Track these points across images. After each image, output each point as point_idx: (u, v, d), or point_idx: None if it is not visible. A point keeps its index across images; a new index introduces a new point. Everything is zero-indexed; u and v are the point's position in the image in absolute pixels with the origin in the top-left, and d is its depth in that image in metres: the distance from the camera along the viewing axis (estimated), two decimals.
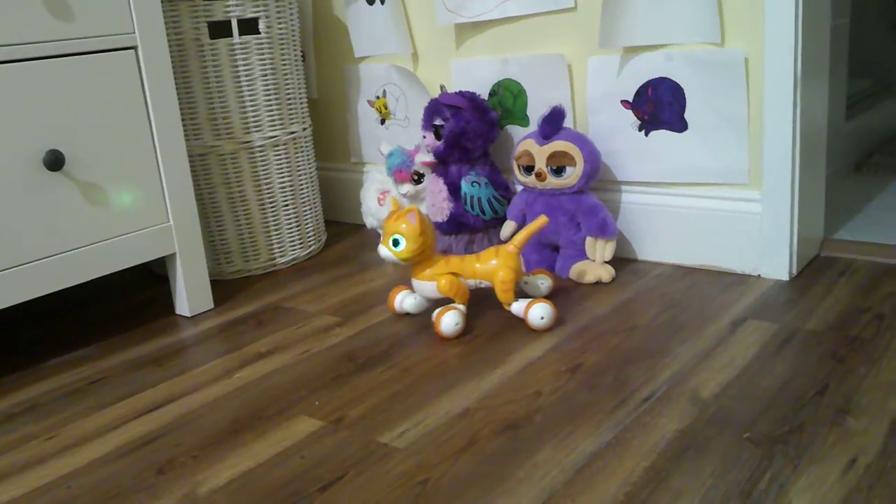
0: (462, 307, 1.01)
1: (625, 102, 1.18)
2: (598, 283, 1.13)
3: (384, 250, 1.00)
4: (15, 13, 0.92)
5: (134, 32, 1.03)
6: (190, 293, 1.14)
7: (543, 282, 1.10)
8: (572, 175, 1.13)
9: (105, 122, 1.02)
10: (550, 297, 1.09)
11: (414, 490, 0.69)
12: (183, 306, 1.15)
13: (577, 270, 1.15)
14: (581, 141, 1.14)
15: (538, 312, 0.99)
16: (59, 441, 0.83)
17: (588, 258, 1.15)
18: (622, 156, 1.20)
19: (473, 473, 0.70)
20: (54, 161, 0.96)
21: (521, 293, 1.08)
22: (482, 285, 1.02)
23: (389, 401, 0.85)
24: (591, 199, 1.15)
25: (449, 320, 0.98)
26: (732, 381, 0.82)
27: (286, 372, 0.95)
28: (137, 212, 1.07)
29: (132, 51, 1.04)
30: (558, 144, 1.14)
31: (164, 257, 1.13)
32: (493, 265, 1.01)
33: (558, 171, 1.13)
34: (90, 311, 1.22)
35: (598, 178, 1.18)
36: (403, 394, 0.86)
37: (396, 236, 0.99)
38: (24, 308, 1.24)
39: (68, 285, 1.01)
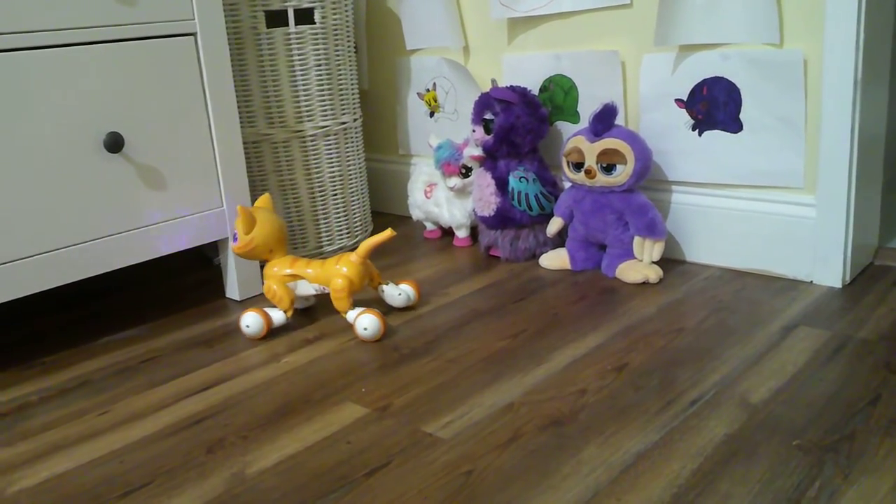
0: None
1: (679, 101, 1.17)
2: (644, 284, 1.12)
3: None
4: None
5: (194, 19, 1.05)
6: (240, 277, 1.16)
7: (401, 292, 1.09)
8: (622, 173, 1.12)
9: (163, 106, 1.04)
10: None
11: (458, 481, 0.69)
12: (233, 290, 1.18)
13: (623, 270, 1.14)
14: (632, 139, 1.14)
15: (361, 323, 0.99)
16: (112, 417, 0.85)
17: (635, 258, 1.14)
18: (674, 155, 1.19)
19: (518, 467, 0.70)
20: (114, 143, 0.98)
21: (379, 301, 1.10)
22: (325, 291, 1.04)
23: (434, 391, 0.86)
24: (640, 198, 1.14)
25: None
26: (782, 387, 0.81)
27: (333, 358, 0.96)
28: (193, 196, 1.09)
29: (192, 37, 1.06)
30: (609, 142, 1.13)
31: (216, 241, 1.15)
32: (330, 271, 1.02)
33: (608, 169, 1.13)
34: (142, 291, 1.25)
35: (648, 177, 1.17)
36: (448, 385, 0.87)
37: (233, 231, 1.03)
38: (77, 286, 1.27)
39: (123, 265, 1.03)
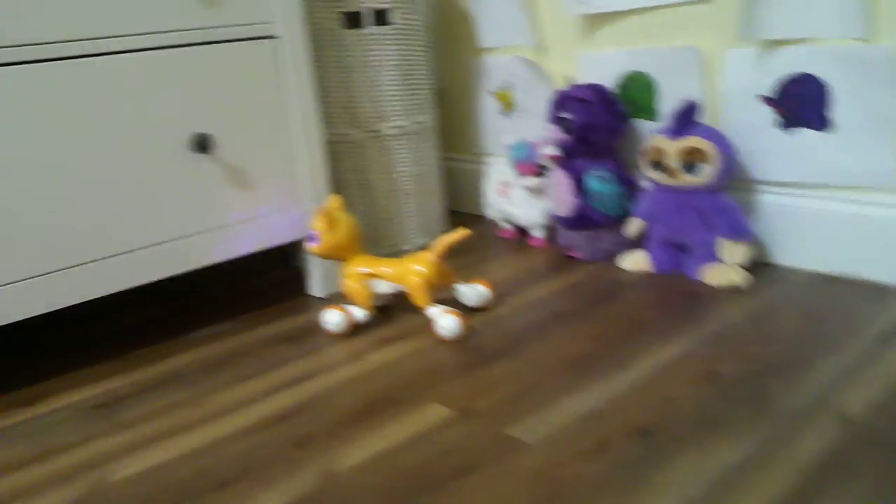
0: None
1: (764, 98, 1.14)
2: (731, 288, 1.10)
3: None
4: (168, 3, 0.97)
5: (275, 22, 1.07)
6: (322, 274, 1.18)
7: (475, 292, 1.09)
8: (706, 172, 1.10)
9: (246, 108, 1.06)
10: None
11: (546, 487, 0.69)
12: (315, 287, 1.20)
13: (708, 273, 1.12)
14: (716, 137, 1.11)
15: (442, 322, 1.00)
16: (204, 410, 0.88)
17: (720, 260, 1.12)
18: (759, 154, 1.16)
19: (607, 476, 0.70)
20: (200, 144, 1.01)
21: (453, 300, 1.09)
22: (401, 289, 1.05)
23: (518, 394, 0.85)
24: (724, 199, 1.11)
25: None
26: (883, 399, 0.78)
27: (415, 358, 0.97)
28: (274, 196, 1.11)
29: (273, 40, 1.08)
30: (691, 140, 1.11)
31: (295, 241, 1.17)
32: (407, 270, 1.03)
33: (690, 168, 1.11)
34: (226, 288, 1.28)
35: (733, 176, 1.14)
36: (531, 388, 0.86)
37: (312, 231, 1.03)
38: (165, 282, 1.31)
39: (207, 264, 1.06)
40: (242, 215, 1.08)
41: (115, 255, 0.97)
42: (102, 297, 0.98)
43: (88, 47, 0.92)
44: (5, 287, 0.89)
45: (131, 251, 0.98)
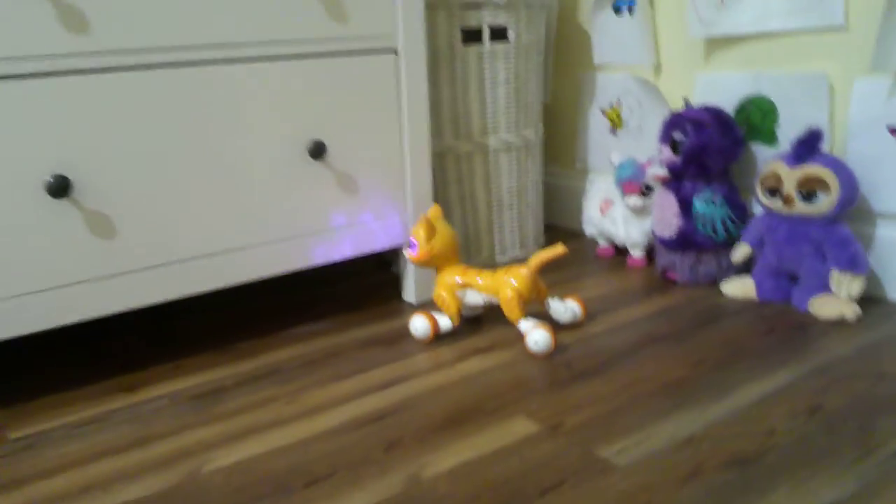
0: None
1: (893, 130, 1.08)
2: (840, 321, 1.04)
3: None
4: (299, 14, 1.01)
5: (397, 36, 1.10)
6: (419, 282, 1.20)
7: (567, 308, 1.07)
8: (825, 202, 1.05)
9: (362, 117, 1.09)
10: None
11: None
12: (410, 293, 1.21)
13: (817, 304, 1.06)
14: (838, 166, 1.06)
15: (533, 337, 0.99)
16: (298, 406, 0.90)
17: (831, 292, 1.06)
18: (884, 186, 1.10)
19: None
20: (318, 150, 1.04)
21: (545, 316, 1.10)
22: (493, 301, 1.04)
23: (609, 415, 0.84)
24: (843, 230, 1.06)
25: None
26: None
27: (504, 370, 0.96)
28: (380, 203, 1.14)
29: (394, 53, 1.10)
30: (812, 168, 1.06)
31: (396, 248, 1.19)
32: (500, 282, 1.03)
33: (808, 197, 1.06)
34: (326, 289, 1.32)
35: (852, 207, 1.08)
36: (623, 410, 0.85)
37: (411, 239, 1.05)
38: (269, 280, 1.36)
39: (313, 265, 1.09)
40: (348, 220, 1.11)
41: (229, 252, 1.01)
42: (213, 292, 1.02)
43: (223, 53, 0.97)
44: (125, 276, 0.94)
45: (243, 248, 1.03)
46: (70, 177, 0.89)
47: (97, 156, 0.90)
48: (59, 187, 0.87)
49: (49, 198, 0.88)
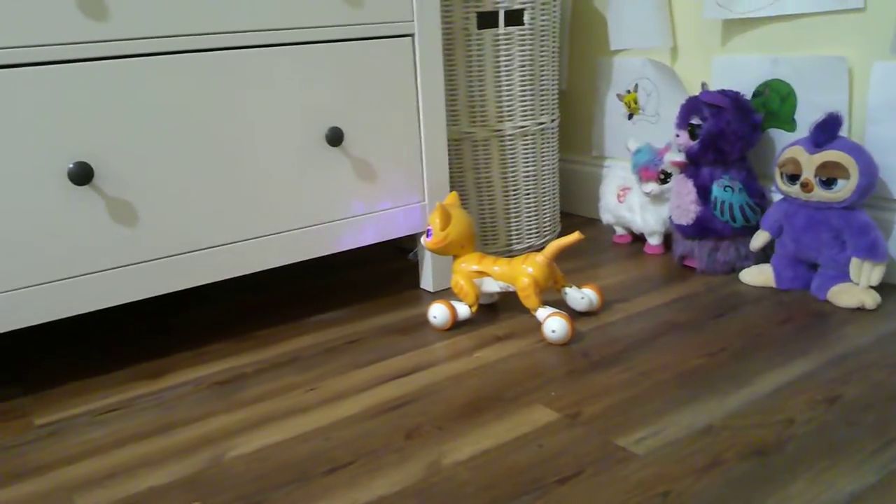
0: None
1: None
2: (860, 309, 1.04)
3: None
4: (317, 0, 1.01)
5: (413, 21, 1.09)
6: (435, 269, 1.20)
7: (584, 296, 1.07)
8: (844, 188, 1.04)
9: (378, 104, 1.09)
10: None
11: (654, 502, 0.68)
12: (427, 281, 1.22)
13: (837, 292, 1.06)
14: (857, 152, 1.05)
15: (550, 325, 0.99)
16: (319, 394, 0.91)
17: (851, 281, 1.06)
18: None
19: (718, 495, 0.68)
20: (335, 137, 1.05)
21: (561, 303, 1.10)
22: (510, 289, 1.04)
23: (627, 403, 0.84)
24: (862, 217, 1.05)
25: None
26: None
27: (522, 358, 0.97)
28: (397, 190, 1.14)
29: (409, 38, 1.10)
30: (831, 154, 1.05)
31: (413, 235, 1.20)
32: (516, 270, 1.03)
33: (828, 183, 1.05)
34: (344, 276, 1.33)
35: (872, 194, 1.08)
36: (641, 399, 0.85)
37: (428, 226, 1.06)
38: (289, 267, 1.37)
39: (334, 252, 1.10)
40: (366, 207, 1.11)
41: (249, 239, 1.02)
42: (232, 279, 1.03)
43: (242, 40, 0.97)
44: (147, 263, 0.95)
45: (263, 236, 1.03)
46: (92, 164, 0.90)
47: (118, 143, 0.91)
48: (82, 174, 0.88)
49: (71, 185, 0.89)
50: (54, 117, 0.87)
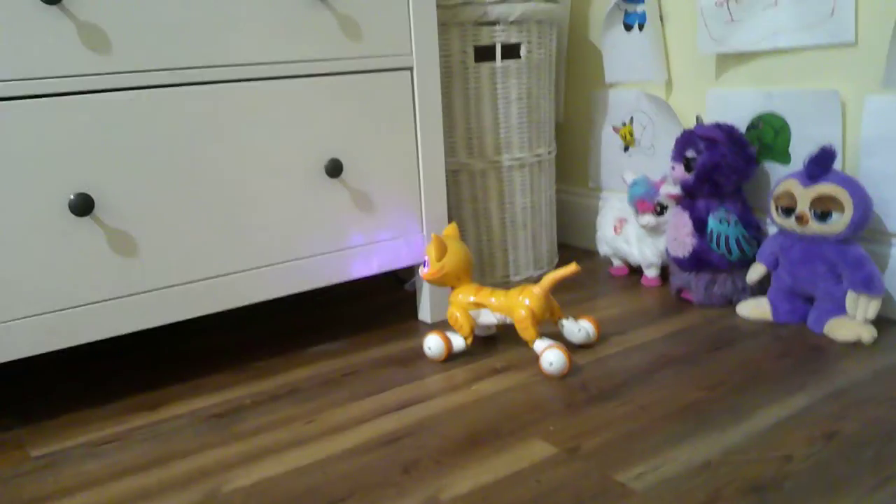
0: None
1: None
2: (856, 343, 1.04)
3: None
4: (316, 34, 1.02)
5: (412, 54, 1.11)
6: (434, 301, 1.21)
7: (581, 328, 1.07)
8: (839, 222, 1.05)
9: (377, 135, 1.10)
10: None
11: None
12: (425, 313, 1.22)
13: (833, 326, 1.06)
14: (852, 185, 1.06)
15: (547, 357, 0.99)
16: (317, 426, 0.91)
17: (847, 314, 1.06)
18: (895, 204, 1.10)
19: None
20: (334, 168, 1.05)
21: (558, 336, 1.11)
22: (507, 321, 1.05)
23: (625, 438, 0.84)
24: (857, 250, 1.06)
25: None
26: None
27: (520, 391, 0.97)
28: (395, 221, 1.14)
29: (408, 71, 1.11)
30: (825, 187, 1.06)
31: (411, 266, 1.20)
32: (513, 302, 1.03)
33: (823, 217, 1.06)
34: (341, 307, 1.33)
35: (867, 227, 1.09)
36: (640, 433, 0.85)
37: (424, 257, 1.08)
38: (284, 300, 1.37)
39: (332, 283, 1.10)
40: (364, 238, 1.12)
41: (246, 271, 1.02)
42: (229, 311, 1.03)
43: (243, 73, 0.98)
44: (146, 294, 0.95)
45: (262, 267, 1.04)
46: (93, 195, 0.90)
47: (119, 174, 0.92)
48: (82, 205, 0.89)
49: (72, 216, 0.89)
50: (56, 149, 0.87)
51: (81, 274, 0.91)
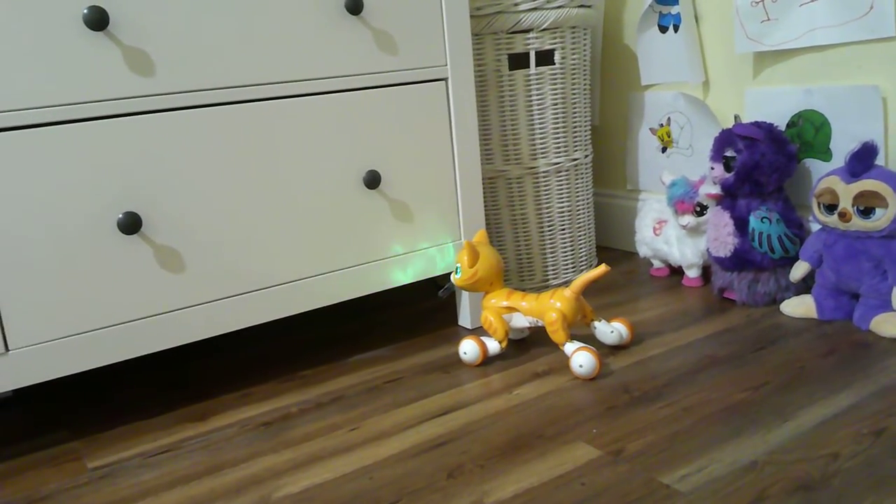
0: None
1: None
2: None
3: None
4: (353, 50, 1.04)
5: (446, 65, 1.12)
6: (473, 307, 1.22)
7: (613, 330, 1.06)
8: (883, 218, 1.04)
9: (414, 146, 1.12)
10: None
11: None
12: (465, 318, 1.23)
13: (879, 322, 1.05)
14: (894, 181, 1.04)
15: (577, 359, 0.99)
16: (362, 433, 0.92)
17: (893, 310, 1.05)
18: None
19: None
20: (373, 180, 1.07)
21: (591, 338, 1.11)
22: (539, 324, 1.05)
23: (669, 440, 0.84)
24: None
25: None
26: None
27: (562, 395, 0.97)
28: (434, 230, 1.16)
29: (443, 82, 1.13)
30: (868, 183, 1.05)
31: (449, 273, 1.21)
32: (544, 305, 1.03)
33: (866, 213, 1.05)
34: (383, 315, 1.35)
35: None
36: (684, 434, 0.85)
37: (457, 264, 1.07)
38: (324, 309, 1.39)
39: (373, 291, 1.12)
40: (404, 247, 1.14)
41: (292, 282, 1.05)
42: (275, 320, 1.05)
43: (283, 90, 1.00)
44: (196, 308, 0.98)
45: (305, 279, 1.06)
46: (140, 213, 0.93)
47: (165, 192, 0.95)
48: (130, 223, 0.92)
49: (120, 234, 0.93)
50: (104, 169, 0.91)
51: (132, 289, 0.94)
